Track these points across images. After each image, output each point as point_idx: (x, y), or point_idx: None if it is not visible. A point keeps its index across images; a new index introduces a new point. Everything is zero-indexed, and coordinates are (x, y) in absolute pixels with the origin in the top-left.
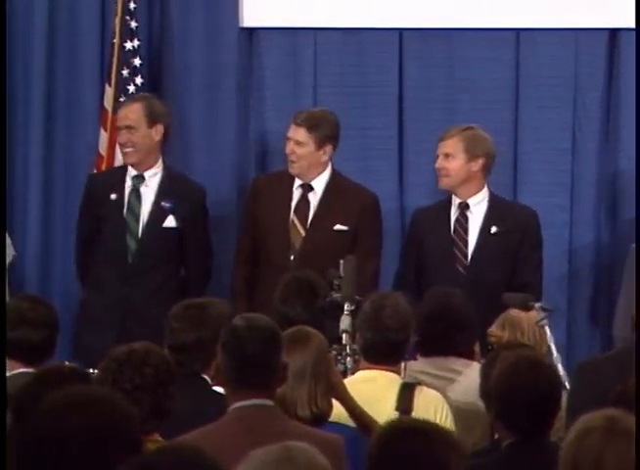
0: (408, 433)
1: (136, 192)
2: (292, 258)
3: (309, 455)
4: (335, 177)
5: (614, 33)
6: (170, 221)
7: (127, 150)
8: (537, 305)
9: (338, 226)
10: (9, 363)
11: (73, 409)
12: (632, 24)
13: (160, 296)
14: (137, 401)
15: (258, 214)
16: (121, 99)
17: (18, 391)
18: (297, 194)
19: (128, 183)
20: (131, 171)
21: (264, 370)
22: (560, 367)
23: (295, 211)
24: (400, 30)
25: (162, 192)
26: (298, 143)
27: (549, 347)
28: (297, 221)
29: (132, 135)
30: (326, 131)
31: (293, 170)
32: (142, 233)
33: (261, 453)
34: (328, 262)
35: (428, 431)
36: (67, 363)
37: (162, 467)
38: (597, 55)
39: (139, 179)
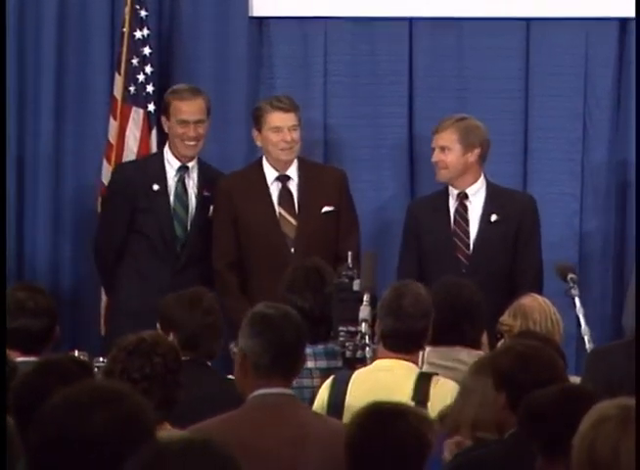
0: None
1: (182, 182)
2: (292, 250)
3: None
4: (302, 161)
5: (624, 22)
6: (212, 211)
7: (192, 143)
8: (570, 276)
9: (325, 208)
10: (9, 353)
11: (92, 406)
12: None
13: (205, 286)
14: (146, 391)
15: (239, 217)
16: (131, 88)
17: (17, 382)
18: (275, 187)
19: (170, 173)
20: (173, 162)
21: (299, 359)
22: (587, 339)
23: (279, 204)
24: (410, 20)
25: (203, 183)
26: (295, 128)
27: (577, 318)
28: (284, 213)
29: (200, 128)
30: (300, 114)
31: (289, 156)
32: (190, 223)
33: None
34: (324, 246)
35: (405, 412)
36: (76, 353)
37: (173, 459)
38: (607, 44)
39: (184, 170)
